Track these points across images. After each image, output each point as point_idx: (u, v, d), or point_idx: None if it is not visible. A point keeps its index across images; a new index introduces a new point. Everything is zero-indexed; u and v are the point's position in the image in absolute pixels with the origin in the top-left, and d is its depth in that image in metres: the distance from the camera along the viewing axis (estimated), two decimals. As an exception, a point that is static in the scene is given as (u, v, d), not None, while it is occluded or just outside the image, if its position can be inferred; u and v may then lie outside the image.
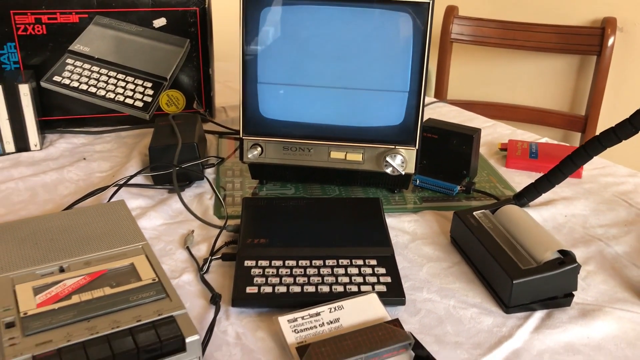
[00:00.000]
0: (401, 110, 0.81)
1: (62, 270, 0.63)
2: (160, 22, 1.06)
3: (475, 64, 1.94)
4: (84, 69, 1.06)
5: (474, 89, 1.95)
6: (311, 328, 0.61)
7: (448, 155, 0.92)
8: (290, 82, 0.81)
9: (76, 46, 1.04)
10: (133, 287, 0.60)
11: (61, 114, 1.09)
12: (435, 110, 1.30)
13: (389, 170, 0.83)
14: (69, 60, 1.05)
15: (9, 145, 1.00)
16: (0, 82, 0.96)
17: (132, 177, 0.88)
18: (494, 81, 1.95)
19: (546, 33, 1.70)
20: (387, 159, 0.82)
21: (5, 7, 1.00)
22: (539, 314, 0.66)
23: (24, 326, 0.54)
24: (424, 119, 0.88)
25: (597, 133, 1.55)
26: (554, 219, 0.85)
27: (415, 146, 0.82)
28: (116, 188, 0.86)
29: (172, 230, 0.80)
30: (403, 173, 0.83)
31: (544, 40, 1.71)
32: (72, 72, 1.06)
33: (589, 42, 1.68)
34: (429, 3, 0.76)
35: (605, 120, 1.67)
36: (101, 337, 0.54)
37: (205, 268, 0.71)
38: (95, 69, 1.07)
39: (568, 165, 0.81)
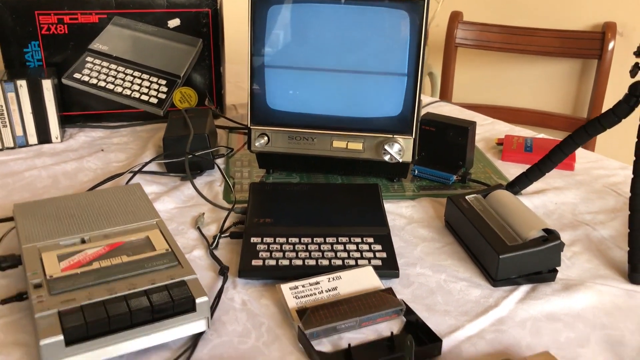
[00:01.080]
0: (399, 101, 0.86)
1: (83, 241, 0.68)
2: (174, 22, 1.12)
3: (480, 68, 1.99)
4: (103, 67, 1.13)
5: (478, 93, 2.00)
6: (310, 295, 0.66)
7: (445, 147, 0.97)
8: (295, 66, 0.86)
9: (95, 45, 1.11)
10: (148, 256, 0.65)
11: (80, 110, 1.15)
12: (437, 109, 1.35)
13: (387, 158, 0.88)
14: (89, 59, 1.12)
15: (32, 138, 1.06)
16: (25, 77, 1.03)
17: (147, 163, 0.94)
18: (498, 85, 2.00)
19: (548, 37, 1.75)
20: (386, 147, 0.87)
21: (30, 7, 1.07)
22: (524, 288, 0.71)
23: (50, 287, 0.60)
24: (423, 114, 0.93)
25: (596, 143, 1.56)
26: (544, 206, 0.90)
27: (412, 135, 0.88)
28: (132, 174, 0.92)
29: (184, 213, 0.86)
30: (400, 161, 0.88)
31: (546, 45, 1.76)
32: (91, 69, 1.12)
33: (590, 47, 1.73)
34: (424, 1, 0.82)
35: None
36: (119, 296, 0.59)
37: (214, 244, 0.77)
38: (113, 66, 1.13)
39: (557, 154, 0.86)
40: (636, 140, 0.74)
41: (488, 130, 1.22)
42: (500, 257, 0.69)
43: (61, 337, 0.54)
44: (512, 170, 1.03)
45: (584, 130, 0.82)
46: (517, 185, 0.90)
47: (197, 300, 0.60)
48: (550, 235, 0.71)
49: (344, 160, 0.92)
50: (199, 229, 0.81)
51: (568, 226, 0.85)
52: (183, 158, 0.93)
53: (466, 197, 0.82)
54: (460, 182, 0.96)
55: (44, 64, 1.11)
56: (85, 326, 0.56)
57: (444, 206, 0.86)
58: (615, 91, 1.74)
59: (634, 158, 0.74)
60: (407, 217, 0.86)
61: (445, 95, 1.90)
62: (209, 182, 0.95)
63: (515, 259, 0.70)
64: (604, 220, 0.87)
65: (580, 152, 1.08)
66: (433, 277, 0.73)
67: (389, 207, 0.88)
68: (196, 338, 0.61)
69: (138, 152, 1.05)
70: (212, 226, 0.82)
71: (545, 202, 0.91)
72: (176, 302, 0.59)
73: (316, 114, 0.89)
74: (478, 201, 0.81)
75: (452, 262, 0.76)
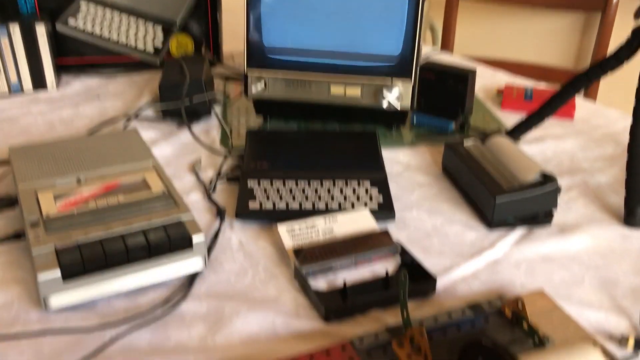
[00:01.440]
0: (399, 39, 0.85)
1: (79, 182, 0.68)
2: (169, -33, 1.09)
3: (481, 21, 1.96)
4: (97, 13, 1.10)
5: (480, 47, 1.97)
6: (307, 236, 0.66)
7: (444, 94, 0.96)
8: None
9: (89, -10, 1.09)
10: (144, 196, 0.65)
11: (76, 56, 1.13)
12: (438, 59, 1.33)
13: (385, 105, 0.87)
14: (83, 4, 1.10)
15: (27, 84, 1.05)
16: (18, 22, 1.01)
17: (143, 108, 0.94)
18: (499, 39, 1.97)
19: (551, -11, 1.71)
20: (384, 91, 0.86)
21: (22, -49, 1.04)
22: (520, 231, 0.71)
23: (47, 225, 0.60)
24: (423, 62, 0.92)
25: (600, 88, 1.55)
26: (542, 153, 0.90)
27: (411, 80, 0.86)
28: (128, 120, 0.92)
29: (181, 158, 0.85)
30: (399, 107, 0.87)
31: (549, -3, 1.72)
32: (85, 16, 1.10)
33: (594, -2, 1.69)
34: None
35: (608, 76, 1.69)
36: (116, 234, 0.59)
37: (211, 188, 0.77)
38: (108, 12, 1.11)
39: (557, 99, 0.85)
40: (637, 86, 0.73)
41: (488, 80, 1.20)
42: (496, 199, 0.69)
43: (58, 273, 0.55)
44: (511, 119, 1.02)
45: (585, 75, 0.81)
46: (516, 131, 0.89)
47: (194, 238, 0.60)
48: (547, 178, 0.71)
49: (342, 107, 0.91)
50: (196, 173, 0.81)
51: (566, 172, 0.85)
52: (179, 104, 0.92)
53: (464, 143, 0.81)
54: (460, 130, 0.95)
55: (37, 9, 1.08)
56: (82, 262, 0.56)
57: (441, 153, 0.86)
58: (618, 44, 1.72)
59: (635, 103, 0.73)
60: (405, 164, 0.86)
61: (446, 48, 1.87)
62: (206, 129, 0.94)
63: (511, 201, 0.70)
64: (602, 168, 0.86)
65: (580, 102, 1.07)
66: (429, 221, 0.73)
67: (387, 154, 0.87)
68: (193, 276, 0.62)
69: (134, 99, 1.04)
70: (209, 171, 0.82)
71: (544, 150, 0.91)
72: (173, 240, 0.59)
73: (315, 50, 0.86)
74: (476, 147, 0.81)
75: (448, 207, 0.76)
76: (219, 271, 0.63)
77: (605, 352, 0.48)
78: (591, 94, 1.68)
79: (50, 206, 0.63)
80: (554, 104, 0.85)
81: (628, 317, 0.58)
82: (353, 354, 0.49)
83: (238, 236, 0.69)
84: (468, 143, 0.82)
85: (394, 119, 0.93)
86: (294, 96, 0.90)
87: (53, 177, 0.69)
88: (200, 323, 0.56)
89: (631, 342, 0.53)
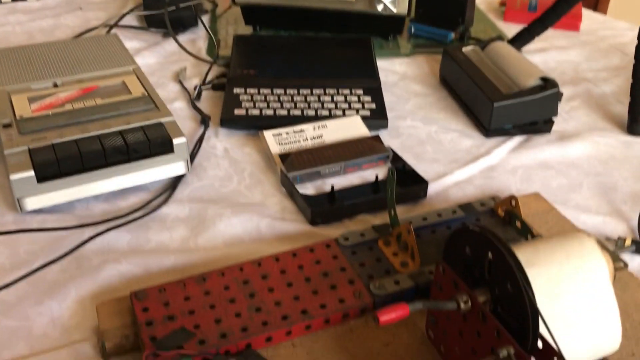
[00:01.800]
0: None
1: (55, 85, 0.65)
2: None
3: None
4: None
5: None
6: (294, 142, 0.64)
7: (444, 3, 0.91)
8: None
9: None
10: (123, 99, 0.62)
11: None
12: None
13: (380, 8, 0.82)
14: None
15: (5, -5, 1.00)
16: None
17: (125, 14, 0.89)
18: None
19: None
20: (379, -5, 0.81)
21: None
22: (518, 138, 0.68)
23: (20, 127, 0.57)
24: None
25: (609, 9, 1.48)
26: (545, 63, 0.86)
27: (408, -17, 0.81)
28: (111, 28, 0.87)
29: (165, 67, 0.81)
30: (395, 11, 0.82)
31: None
32: None
33: None
34: None
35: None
36: (93, 136, 0.56)
37: (195, 94, 0.73)
38: None
39: (561, 5, 0.80)
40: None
41: (491, -8, 1.14)
42: (494, 104, 0.66)
43: (32, 173, 0.52)
44: (514, 30, 0.97)
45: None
46: (518, 40, 0.85)
47: (175, 141, 0.57)
48: (548, 83, 0.68)
49: (336, 14, 0.86)
50: (180, 81, 0.77)
51: (569, 82, 0.81)
52: (163, 10, 0.88)
53: (463, 49, 0.77)
54: (459, 40, 0.91)
55: None
56: (57, 163, 0.53)
57: (439, 64, 0.82)
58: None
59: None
60: (401, 74, 0.82)
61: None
62: (192, 39, 0.90)
63: (510, 106, 0.67)
64: (606, 78, 0.83)
65: (587, 14, 1.02)
66: (423, 129, 0.70)
67: (382, 64, 0.83)
68: (176, 181, 0.59)
69: (118, 10, 0.99)
70: (194, 80, 0.78)
71: (547, 60, 0.87)
72: (152, 142, 0.57)
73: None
74: (475, 53, 0.77)
75: (444, 115, 0.73)
76: (203, 177, 0.61)
77: (600, 243, 0.46)
78: (601, 9, 1.61)
79: (24, 108, 0.60)
80: (559, 10, 0.80)
81: (626, 221, 0.56)
82: (337, 251, 0.47)
83: (223, 143, 0.66)
84: (467, 48, 0.78)
85: (390, 26, 0.88)
86: (284, 1, 0.85)
87: (28, 80, 0.65)
88: (182, 225, 0.54)
89: (628, 242, 0.51)
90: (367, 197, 0.57)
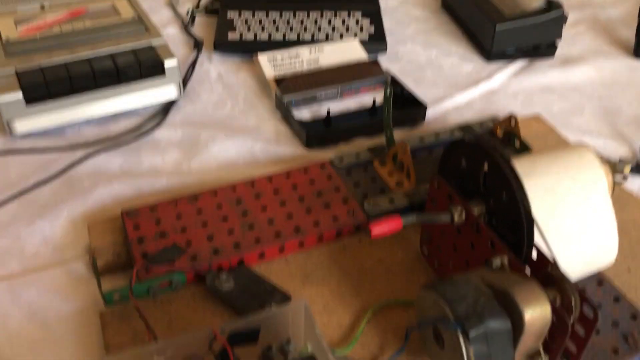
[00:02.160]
0: None
1: (42, 8, 0.63)
2: None
3: None
4: None
5: None
6: (290, 66, 0.62)
7: None
8: None
9: None
10: (113, 22, 0.60)
11: None
12: None
13: None
14: None
15: None
16: None
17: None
18: None
19: None
20: None
21: None
22: (520, 63, 0.66)
23: (7, 49, 0.55)
24: None
25: None
26: (551, -12, 0.82)
27: None
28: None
29: (158, -7, 0.79)
30: None
31: None
32: None
33: None
34: None
35: None
36: (82, 58, 0.55)
37: (189, 19, 0.71)
38: None
39: None
40: None
41: None
42: (496, 27, 0.64)
43: (20, 95, 0.51)
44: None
45: None
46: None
47: (166, 64, 0.56)
48: (552, 5, 0.65)
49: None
50: (172, 7, 0.75)
51: (575, 7, 0.78)
52: None
53: (466, -29, 0.74)
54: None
55: None
56: (45, 85, 0.52)
57: (441, -12, 0.79)
58: None
59: None
60: (401, -1, 0.79)
61: None
62: (186, -35, 0.86)
63: (512, 29, 0.64)
64: (615, 2, 0.80)
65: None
66: (423, 54, 0.68)
67: (382, -11, 0.80)
68: (168, 106, 0.58)
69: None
70: (187, 5, 0.76)
71: (553, -15, 0.83)
72: (143, 65, 0.55)
73: None
74: (478, -25, 0.74)
75: (445, 40, 0.71)
76: (196, 102, 0.59)
77: (599, 156, 0.45)
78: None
79: (10, 31, 0.58)
80: None
81: (628, 144, 0.55)
82: (331, 171, 0.46)
83: (217, 68, 0.64)
84: (470, -28, 0.74)
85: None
86: None
87: (14, 2, 0.63)
88: (174, 149, 0.53)
89: (628, 165, 0.50)
90: (364, 121, 0.56)
